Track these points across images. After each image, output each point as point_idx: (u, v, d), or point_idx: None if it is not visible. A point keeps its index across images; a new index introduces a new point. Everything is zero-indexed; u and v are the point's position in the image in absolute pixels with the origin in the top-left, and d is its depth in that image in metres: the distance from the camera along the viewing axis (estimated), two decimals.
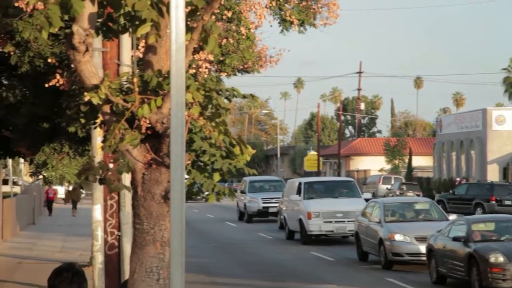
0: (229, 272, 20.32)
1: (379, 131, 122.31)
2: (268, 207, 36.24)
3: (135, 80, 3.66)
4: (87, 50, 3.84)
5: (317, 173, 65.70)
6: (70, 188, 41.45)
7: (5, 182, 35.81)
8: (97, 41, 11.52)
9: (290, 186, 30.14)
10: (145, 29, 3.68)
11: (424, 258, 19.06)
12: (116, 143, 3.72)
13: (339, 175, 66.09)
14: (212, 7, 3.74)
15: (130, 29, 3.94)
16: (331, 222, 26.40)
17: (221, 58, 16.38)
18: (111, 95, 3.67)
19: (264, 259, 23.08)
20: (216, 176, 3.98)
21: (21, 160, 43.05)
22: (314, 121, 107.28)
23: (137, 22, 3.72)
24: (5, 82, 16.67)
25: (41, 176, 33.22)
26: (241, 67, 17.87)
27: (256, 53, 17.10)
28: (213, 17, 16.80)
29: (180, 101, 2.80)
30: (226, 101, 4.01)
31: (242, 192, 38.60)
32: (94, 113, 4.05)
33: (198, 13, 3.74)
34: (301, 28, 17.20)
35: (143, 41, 15.46)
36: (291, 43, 59.14)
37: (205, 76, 15.72)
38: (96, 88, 3.79)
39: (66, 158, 15.35)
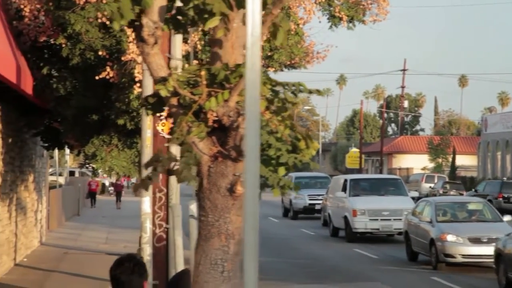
0: (271, 267, 20.35)
1: (422, 129, 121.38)
2: (314, 204, 35.95)
3: (202, 73, 3.67)
4: (155, 42, 3.87)
5: (359, 170, 65.40)
6: (113, 180, 41.61)
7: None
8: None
9: (335, 183, 30.01)
10: (214, 22, 3.69)
11: (478, 260, 18.74)
12: (184, 136, 3.74)
13: (381, 172, 65.73)
14: (282, 1, 3.74)
15: (199, 23, 3.95)
16: (376, 220, 26.22)
17: (269, 54, 16.40)
18: (179, 88, 3.68)
19: (307, 255, 23.06)
20: (282, 170, 3.98)
21: (67, 151, 43.63)
22: (356, 118, 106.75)
23: (206, 16, 3.73)
24: (56, 74, 16.85)
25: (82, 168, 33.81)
26: (288, 62, 17.87)
27: (304, 48, 17.09)
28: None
29: (254, 94, 2.81)
30: (291, 95, 4.01)
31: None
32: (160, 105, 4.07)
33: (267, 6, 3.74)
34: (350, 25, 17.14)
35: (193, 35, 15.54)
36: (334, 39, 58.97)
37: None
38: (164, 80, 3.81)
39: (115, 150, 15.46)
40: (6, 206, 18.15)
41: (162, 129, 12.60)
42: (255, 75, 2.77)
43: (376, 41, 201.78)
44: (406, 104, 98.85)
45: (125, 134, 15.79)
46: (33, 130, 20.45)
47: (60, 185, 36.23)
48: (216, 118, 3.83)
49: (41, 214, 24.63)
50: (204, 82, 3.67)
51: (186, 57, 13.68)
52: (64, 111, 17.02)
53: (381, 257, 22.71)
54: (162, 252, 12.92)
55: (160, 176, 13.70)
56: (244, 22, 3.62)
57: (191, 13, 3.79)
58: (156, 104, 4.02)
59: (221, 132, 3.85)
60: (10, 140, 18.35)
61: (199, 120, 3.78)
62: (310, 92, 4.19)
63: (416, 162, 71.82)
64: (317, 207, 35.45)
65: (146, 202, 12.59)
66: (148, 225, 12.59)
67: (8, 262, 18.48)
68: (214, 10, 3.57)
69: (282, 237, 28.12)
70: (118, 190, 44.98)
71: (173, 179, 13.18)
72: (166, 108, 3.96)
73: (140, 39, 3.90)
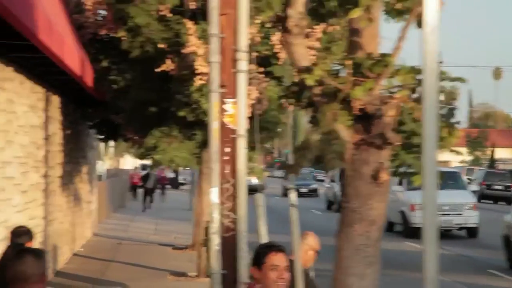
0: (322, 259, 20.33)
1: (457, 123, 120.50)
2: None
3: (348, 62, 3.75)
4: (300, 33, 3.94)
5: None
6: (169, 173, 41.09)
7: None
8: (214, 27, 11.66)
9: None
10: (357, 12, 3.76)
11: None
12: (329, 124, 3.82)
13: None
14: None
15: (339, 13, 4.02)
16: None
17: (327, 45, 16.40)
18: (325, 77, 3.76)
19: None
20: None
21: (111, 143, 43.96)
22: None
23: (348, 6, 3.81)
24: (114, 67, 17.03)
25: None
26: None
27: None
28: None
29: (432, 83, 2.87)
30: None
31: (332, 181, 38.03)
32: (301, 94, 4.16)
33: None
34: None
35: (250, 28, 15.59)
36: None
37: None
38: (307, 70, 3.88)
39: (175, 142, 15.59)
40: (66, 197, 18.42)
41: (229, 121, 12.72)
42: (433, 64, 2.84)
43: (412, 33, 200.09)
44: (442, 96, 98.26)
45: (185, 126, 15.92)
46: (89, 122, 20.69)
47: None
48: (362, 107, 3.90)
49: (93, 205, 24.93)
50: (350, 71, 3.75)
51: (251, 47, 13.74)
52: (122, 103, 17.20)
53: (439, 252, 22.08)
54: (230, 242, 13.03)
55: (228, 167, 13.87)
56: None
57: (333, 3, 3.86)
58: (297, 93, 4.10)
59: (364, 120, 3.93)
60: (68, 132, 18.60)
61: (343, 109, 3.87)
62: (453, 80, 4.24)
63: (453, 155, 71.29)
64: None
65: (214, 193, 12.69)
66: (216, 216, 12.72)
67: (68, 252, 18.77)
68: (362, 1, 3.65)
69: (329, 230, 27.94)
70: (134, 183, 44.45)
71: (240, 170, 13.30)
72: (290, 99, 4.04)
73: (284, 30, 3.98)
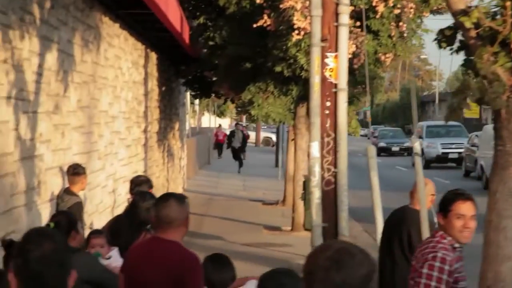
0: None
1: None
2: (447, 153, 35.35)
3: (508, 4, 3.77)
4: None
5: (479, 120, 64.06)
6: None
7: None
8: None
9: (487, 133, 28.84)
10: None
11: None
12: (488, 66, 3.85)
13: None
14: None
15: None
16: None
17: None
18: (482, 19, 3.79)
19: None
20: None
21: (196, 101, 44.37)
22: None
23: None
24: (210, 24, 17.17)
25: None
26: (435, 8, 17.60)
27: None
28: None
29: None
30: None
31: (420, 137, 37.91)
32: (454, 38, 4.20)
33: None
34: None
35: None
36: None
37: (410, 16, 15.63)
38: (464, 12, 3.92)
39: (271, 97, 15.71)
40: (161, 152, 18.81)
41: (330, 75, 12.77)
42: None
43: None
44: None
45: (281, 81, 16.00)
46: (182, 79, 20.98)
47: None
48: None
49: (183, 162, 25.36)
50: (509, 13, 3.76)
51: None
52: (218, 60, 17.36)
53: None
54: (331, 195, 13.12)
55: (329, 121, 13.92)
56: None
57: None
58: (451, 37, 4.14)
59: None
60: (164, 89, 18.93)
61: (501, 51, 3.89)
62: None
63: None
64: (451, 156, 34.80)
65: (314, 147, 12.79)
66: (317, 169, 12.84)
67: None
68: None
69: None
70: (219, 141, 43.21)
71: (342, 124, 13.37)
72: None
73: None
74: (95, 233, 6.24)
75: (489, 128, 29.79)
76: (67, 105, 9.06)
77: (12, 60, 7.07)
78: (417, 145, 8.26)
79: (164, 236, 4.93)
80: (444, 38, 4.13)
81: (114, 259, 6.09)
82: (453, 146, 34.48)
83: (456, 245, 4.15)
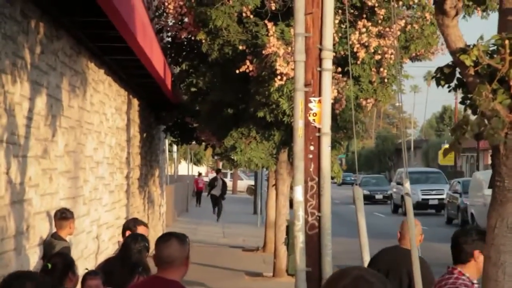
0: None
1: None
2: (428, 199, 35.08)
3: (506, 42, 3.89)
4: (456, 14, 4.09)
5: (454, 167, 64.63)
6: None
7: None
8: (300, 27, 11.90)
9: (477, 180, 28.43)
10: None
11: None
12: (487, 104, 3.95)
13: (477, 169, 64.79)
14: None
15: None
16: None
17: (406, 44, 16.45)
18: (482, 57, 3.90)
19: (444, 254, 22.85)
20: None
21: (174, 149, 44.33)
22: (446, 115, 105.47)
23: None
24: (192, 70, 17.29)
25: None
26: (414, 54, 17.87)
27: (438, 39, 17.07)
28: (400, 2, 16.93)
29: None
30: None
31: (398, 183, 37.06)
32: (452, 76, 4.29)
33: None
34: (484, 14, 17.05)
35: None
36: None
37: (391, 62, 15.87)
38: (463, 51, 4.03)
39: (253, 142, 15.79)
40: (142, 198, 18.76)
41: (314, 119, 12.89)
42: None
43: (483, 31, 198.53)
44: None
45: (263, 126, 16.10)
46: (163, 126, 21.02)
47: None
48: None
49: (162, 209, 25.29)
50: (508, 51, 3.88)
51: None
52: (199, 106, 17.46)
53: None
54: (314, 239, 13.15)
55: (312, 165, 14.00)
56: None
57: None
58: (449, 75, 4.25)
59: None
60: (145, 135, 18.96)
61: (500, 88, 4.00)
62: None
63: None
64: (431, 202, 34.61)
65: (298, 191, 12.85)
66: (300, 213, 12.88)
67: None
68: None
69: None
70: (199, 189, 42.88)
71: (325, 168, 13.41)
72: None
73: (441, 12, 4.12)
74: (91, 274, 6.22)
75: (478, 174, 29.56)
76: (55, 149, 9.06)
77: (5, 104, 7.09)
78: (407, 185, 8.38)
79: (165, 276, 4.93)
80: (443, 75, 4.23)
81: None
82: (433, 192, 34.31)
83: (475, 281, 4.37)
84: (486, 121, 4.01)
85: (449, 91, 4.42)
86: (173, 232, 5.38)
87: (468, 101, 4.32)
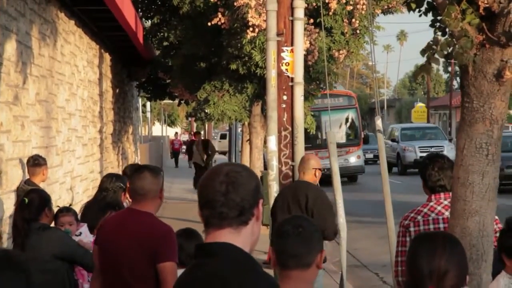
0: None
1: None
2: None
3: None
4: None
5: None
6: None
7: None
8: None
9: None
10: None
11: None
12: (456, 24, 3.98)
13: (450, 126, 65.28)
14: None
15: None
16: None
17: None
18: None
19: None
20: None
21: (148, 108, 44.16)
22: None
23: None
24: (163, 24, 17.19)
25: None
26: (386, 6, 17.87)
27: None
28: None
29: None
30: None
31: (393, 140, 34.70)
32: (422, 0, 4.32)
33: None
34: None
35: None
36: None
37: (363, 12, 15.86)
38: None
39: (226, 95, 15.79)
40: (116, 154, 18.72)
41: (286, 69, 12.89)
42: None
43: None
44: None
45: (236, 79, 16.08)
46: (135, 82, 20.92)
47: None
48: (486, 6, 4.05)
49: None
50: None
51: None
52: (172, 60, 17.39)
53: None
54: None
55: (286, 115, 14.01)
56: None
57: None
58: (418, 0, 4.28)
59: (489, 19, 4.08)
60: (117, 91, 18.87)
61: (468, 8, 4.02)
62: None
63: None
64: None
65: (272, 141, 12.92)
66: (274, 163, 12.94)
67: None
68: None
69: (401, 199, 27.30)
70: (175, 150, 41.96)
71: (298, 117, 13.44)
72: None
73: None
74: (63, 211, 6.24)
75: None
76: (26, 97, 9.01)
77: None
78: (379, 123, 8.51)
79: (139, 208, 4.96)
80: (413, 1, 4.26)
81: (84, 235, 6.09)
82: (432, 149, 30.80)
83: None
84: (455, 41, 4.04)
85: (420, 15, 4.44)
86: (146, 165, 5.40)
87: (438, 24, 4.36)
